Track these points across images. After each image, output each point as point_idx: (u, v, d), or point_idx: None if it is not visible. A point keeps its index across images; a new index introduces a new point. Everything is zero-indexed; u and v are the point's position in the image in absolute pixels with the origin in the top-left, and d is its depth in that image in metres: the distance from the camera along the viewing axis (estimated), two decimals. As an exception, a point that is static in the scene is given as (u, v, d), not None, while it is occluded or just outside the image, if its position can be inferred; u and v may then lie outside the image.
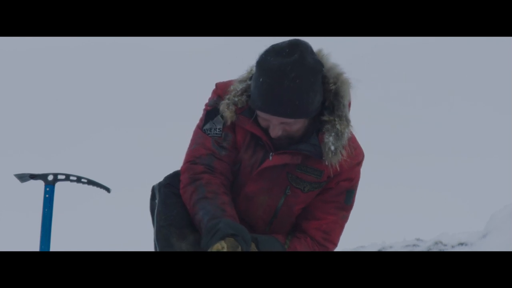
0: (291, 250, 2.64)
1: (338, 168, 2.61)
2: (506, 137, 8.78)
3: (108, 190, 4.09)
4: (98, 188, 4.07)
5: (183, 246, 2.54)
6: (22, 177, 3.96)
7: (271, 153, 2.62)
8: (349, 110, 2.67)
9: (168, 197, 2.64)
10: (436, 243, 1.93)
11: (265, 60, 2.54)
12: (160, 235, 2.60)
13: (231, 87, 2.67)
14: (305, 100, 2.50)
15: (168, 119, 9.95)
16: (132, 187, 8.07)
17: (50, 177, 3.97)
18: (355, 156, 2.70)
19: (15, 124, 9.93)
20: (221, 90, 2.71)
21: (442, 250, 2.05)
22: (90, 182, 4.03)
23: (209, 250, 2.34)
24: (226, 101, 2.64)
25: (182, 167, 2.70)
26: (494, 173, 8.67)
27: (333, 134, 2.59)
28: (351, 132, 2.66)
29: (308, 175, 2.65)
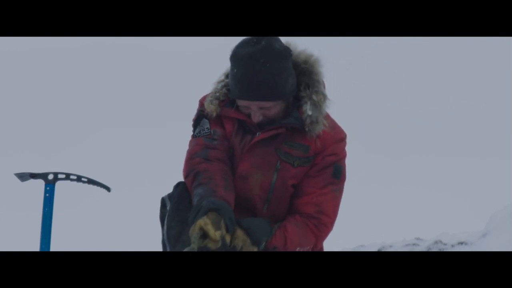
0: (281, 230, 2.70)
1: (321, 143, 2.78)
2: (506, 137, 8.79)
3: (108, 189, 4.09)
4: (98, 187, 4.08)
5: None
6: (22, 176, 3.96)
7: (258, 132, 2.78)
8: (324, 88, 2.82)
9: (181, 203, 2.71)
10: (436, 242, 1.94)
11: (236, 52, 2.74)
12: (171, 233, 2.65)
13: (212, 88, 2.88)
14: (278, 82, 2.69)
15: (168, 119, 9.96)
16: (132, 187, 8.09)
17: (51, 176, 3.97)
18: (337, 132, 2.85)
19: (15, 124, 9.94)
20: (203, 99, 2.91)
21: (442, 249, 2.06)
22: (90, 181, 4.04)
23: (192, 226, 2.42)
24: (209, 98, 2.85)
25: (182, 169, 2.82)
26: (494, 173, 8.67)
27: (310, 105, 2.76)
28: (328, 115, 2.83)
29: (295, 149, 2.78)
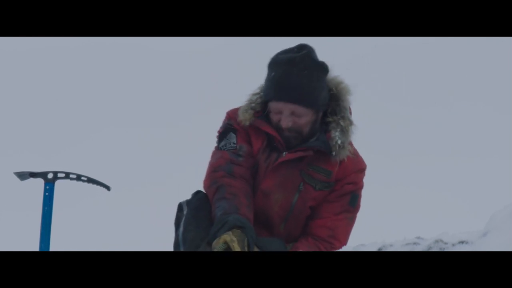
0: (294, 250, 2.75)
1: (342, 170, 2.87)
2: (506, 137, 8.78)
3: (108, 188, 4.08)
4: (98, 186, 4.07)
5: (208, 249, 2.61)
6: (22, 175, 3.95)
7: (284, 152, 2.85)
8: (350, 115, 2.90)
9: (200, 211, 2.74)
10: (436, 241, 1.94)
11: (276, 58, 2.82)
12: (187, 236, 2.68)
13: (247, 98, 2.94)
14: (313, 89, 2.78)
15: (168, 119, 9.95)
16: (132, 186, 8.08)
17: (50, 175, 3.96)
18: (358, 162, 2.95)
19: (15, 124, 9.94)
20: (231, 113, 2.96)
21: (442, 249, 2.05)
22: (90, 180, 4.03)
23: (217, 239, 2.49)
24: (244, 107, 2.91)
25: (204, 179, 2.88)
26: (495, 172, 8.67)
27: (338, 130, 2.84)
28: (351, 142, 2.91)
29: (318, 173, 2.85)
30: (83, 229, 7.35)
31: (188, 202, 2.85)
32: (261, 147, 2.88)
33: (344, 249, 2.32)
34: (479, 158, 9.26)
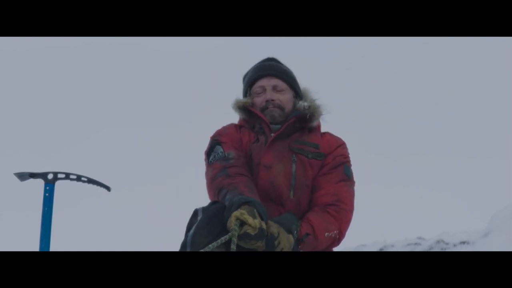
0: (305, 221, 2.91)
1: (327, 144, 3.19)
2: (506, 137, 8.78)
3: (108, 188, 4.08)
4: (98, 187, 4.07)
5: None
6: (22, 176, 3.96)
7: (272, 134, 3.17)
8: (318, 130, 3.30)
9: (213, 218, 2.78)
10: (438, 241, 1.94)
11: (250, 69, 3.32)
12: (196, 239, 2.73)
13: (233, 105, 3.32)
14: (289, 71, 3.28)
15: (168, 119, 9.96)
16: (132, 187, 8.09)
17: (50, 176, 3.96)
18: (338, 138, 3.27)
19: (15, 124, 9.94)
20: (215, 132, 3.24)
21: (444, 249, 2.06)
22: (90, 181, 4.03)
23: (229, 220, 2.62)
24: (235, 102, 3.29)
25: (207, 192, 3.07)
26: (495, 173, 8.67)
27: (304, 101, 3.27)
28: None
29: (306, 146, 3.17)
30: (83, 229, 7.36)
31: (204, 209, 2.90)
32: (250, 139, 3.19)
33: (345, 249, 2.33)
34: (480, 158, 9.27)
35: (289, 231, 2.77)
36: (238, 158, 3.08)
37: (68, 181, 4.00)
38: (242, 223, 2.61)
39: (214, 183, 2.97)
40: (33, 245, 3.92)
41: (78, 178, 4.00)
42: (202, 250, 2.47)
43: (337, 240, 2.94)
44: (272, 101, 3.20)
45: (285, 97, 3.24)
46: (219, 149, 3.14)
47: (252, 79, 3.27)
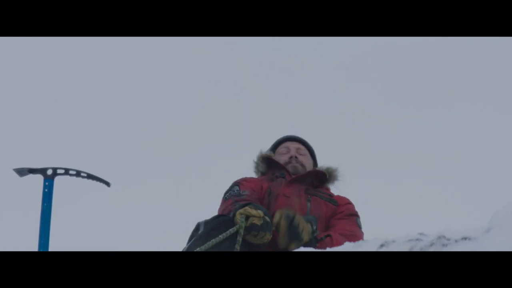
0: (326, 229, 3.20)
1: (339, 199, 3.46)
2: (509, 134, 8.77)
3: (107, 184, 4.07)
4: (98, 183, 4.05)
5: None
6: (21, 172, 3.94)
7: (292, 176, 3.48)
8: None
9: (215, 229, 2.83)
10: (439, 237, 1.94)
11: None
12: (192, 249, 2.73)
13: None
14: (310, 145, 3.73)
15: (168, 119, 9.96)
16: (132, 183, 8.10)
17: (49, 171, 3.94)
18: (346, 197, 3.55)
19: (15, 124, 9.94)
20: (241, 178, 3.50)
21: (445, 245, 2.06)
22: (90, 176, 4.01)
23: (235, 218, 2.78)
24: (258, 157, 3.69)
25: None
26: (498, 169, 8.68)
27: (325, 168, 3.63)
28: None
29: (321, 193, 3.46)
30: (82, 225, 7.36)
31: (205, 222, 2.94)
32: (267, 184, 3.45)
33: (346, 245, 2.34)
34: (483, 154, 9.27)
35: (309, 221, 3.03)
36: (251, 194, 3.31)
37: (68, 176, 3.99)
38: (247, 217, 2.76)
39: (224, 213, 3.16)
40: (32, 241, 3.91)
41: (78, 173, 3.98)
42: (209, 243, 2.51)
43: None
44: (296, 158, 3.59)
45: (307, 160, 3.64)
46: (236, 188, 3.38)
47: (278, 141, 3.72)
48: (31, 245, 3.91)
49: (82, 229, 7.24)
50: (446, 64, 10.96)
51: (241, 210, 2.80)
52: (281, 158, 3.64)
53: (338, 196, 3.52)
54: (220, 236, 2.57)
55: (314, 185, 3.52)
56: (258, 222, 2.70)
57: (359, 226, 3.38)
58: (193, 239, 2.81)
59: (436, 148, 9.76)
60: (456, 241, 2.04)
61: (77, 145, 9.62)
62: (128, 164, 9.18)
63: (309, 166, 3.63)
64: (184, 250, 2.75)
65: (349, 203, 3.48)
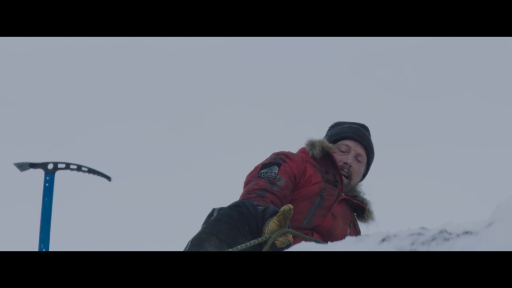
0: None
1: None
2: (509, 128, 8.77)
3: (108, 178, 4.05)
4: (99, 177, 4.04)
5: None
6: (22, 166, 3.92)
7: (342, 194, 3.41)
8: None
9: (227, 216, 2.81)
10: (441, 231, 1.94)
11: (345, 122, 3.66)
12: (197, 238, 2.72)
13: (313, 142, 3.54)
14: (373, 152, 3.59)
15: (168, 119, 9.96)
16: (133, 180, 8.10)
17: (50, 166, 3.92)
18: None
19: (16, 119, 9.94)
20: (283, 152, 3.38)
21: (447, 239, 2.05)
22: (91, 171, 3.99)
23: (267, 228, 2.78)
24: (318, 144, 3.48)
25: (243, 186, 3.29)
26: (500, 163, 8.68)
27: (369, 204, 3.57)
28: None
29: (357, 222, 3.47)
30: (83, 219, 7.35)
31: (220, 209, 2.92)
32: (315, 177, 3.34)
33: (346, 240, 2.35)
34: (485, 148, 9.27)
35: None
36: (283, 188, 3.19)
37: (68, 171, 3.97)
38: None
39: (247, 196, 3.10)
40: (33, 236, 3.90)
41: (79, 168, 3.96)
42: (239, 247, 2.53)
43: None
44: (349, 167, 3.43)
45: (359, 169, 3.49)
46: (274, 169, 3.24)
47: (342, 132, 3.51)
48: (32, 240, 3.91)
49: (83, 224, 7.23)
50: (446, 64, 10.97)
51: (284, 231, 2.73)
52: (337, 156, 3.47)
53: None
54: (251, 241, 2.59)
55: (355, 209, 3.51)
56: (284, 246, 2.70)
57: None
58: (203, 227, 2.82)
59: (438, 143, 9.76)
60: (458, 235, 2.04)
61: (78, 140, 9.62)
62: (129, 158, 9.18)
63: (356, 179, 3.51)
64: (196, 234, 2.76)
65: None
